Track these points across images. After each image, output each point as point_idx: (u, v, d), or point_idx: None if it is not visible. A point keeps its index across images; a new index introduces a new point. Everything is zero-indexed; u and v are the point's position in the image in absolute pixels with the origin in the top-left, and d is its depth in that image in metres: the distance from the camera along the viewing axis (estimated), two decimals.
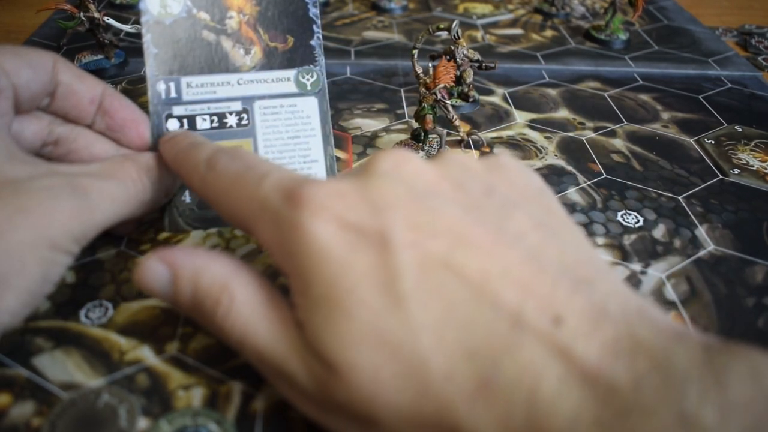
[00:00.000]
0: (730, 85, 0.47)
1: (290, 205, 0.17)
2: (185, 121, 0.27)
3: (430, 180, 0.18)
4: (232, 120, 0.27)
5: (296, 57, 0.28)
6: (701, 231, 0.31)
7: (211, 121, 0.27)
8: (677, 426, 0.13)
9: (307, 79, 0.28)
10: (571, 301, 0.15)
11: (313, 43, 0.28)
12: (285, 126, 0.28)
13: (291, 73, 0.28)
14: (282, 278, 0.26)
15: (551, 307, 0.15)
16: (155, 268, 0.20)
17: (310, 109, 0.28)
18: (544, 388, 0.14)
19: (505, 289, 0.15)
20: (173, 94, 0.27)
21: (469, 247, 0.16)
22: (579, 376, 0.14)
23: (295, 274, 0.17)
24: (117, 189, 0.22)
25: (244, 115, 0.27)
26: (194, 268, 0.19)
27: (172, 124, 0.26)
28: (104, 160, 0.23)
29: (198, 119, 0.27)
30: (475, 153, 0.37)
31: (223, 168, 0.20)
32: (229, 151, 0.21)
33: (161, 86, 0.26)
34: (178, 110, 0.26)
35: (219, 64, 0.27)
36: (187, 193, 0.27)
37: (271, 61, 0.28)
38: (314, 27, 0.28)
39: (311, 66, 0.28)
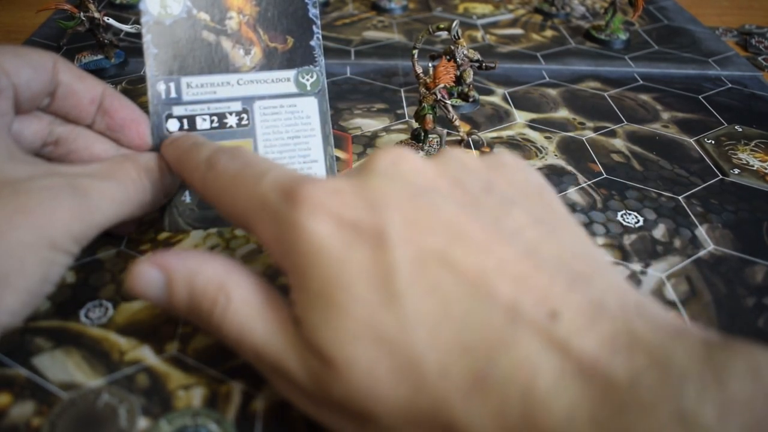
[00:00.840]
0: (730, 85, 0.47)
1: (288, 203, 0.18)
2: (185, 121, 0.27)
3: (428, 177, 0.18)
4: (232, 120, 0.27)
5: (296, 57, 0.28)
6: (701, 231, 0.31)
7: (211, 122, 0.27)
8: (675, 423, 0.12)
9: (307, 80, 0.28)
10: (567, 296, 0.15)
11: (312, 43, 0.28)
12: (285, 126, 0.28)
13: (291, 73, 0.28)
14: (282, 278, 0.26)
15: (547, 301, 0.15)
16: (148, 273, 0.19)
17: (310, 109, 0.28)
18: (539, 383, 0.14)
19: (501, 284, 0.15)
20: (173, 94, 0.27)
21: (465, 243, 0.16)
22: (575, 371, 0.14)
23: (293, 271, 0.18)
24: (117, 189, 0.22)
25: (244, 116, 0.27)
26: (189, 270, 0.19)
27: (172, 124, 0.26)
28: (104, 161, 0.23)
29: (198, 119, 0.27)
30: (475, 153, 0.37)
31: (222, 167, 0.21)
32: (229, 150, 0.21)
33: (161, 86, 0.26)
34: (178, 110, 0.27)
35: (219, 64, 0.27)
36: (187, 193, 0.27)
37: (271, 61, 0.28)
38: (314, 27, 0.28)
39: (311, 66, 0.28)
